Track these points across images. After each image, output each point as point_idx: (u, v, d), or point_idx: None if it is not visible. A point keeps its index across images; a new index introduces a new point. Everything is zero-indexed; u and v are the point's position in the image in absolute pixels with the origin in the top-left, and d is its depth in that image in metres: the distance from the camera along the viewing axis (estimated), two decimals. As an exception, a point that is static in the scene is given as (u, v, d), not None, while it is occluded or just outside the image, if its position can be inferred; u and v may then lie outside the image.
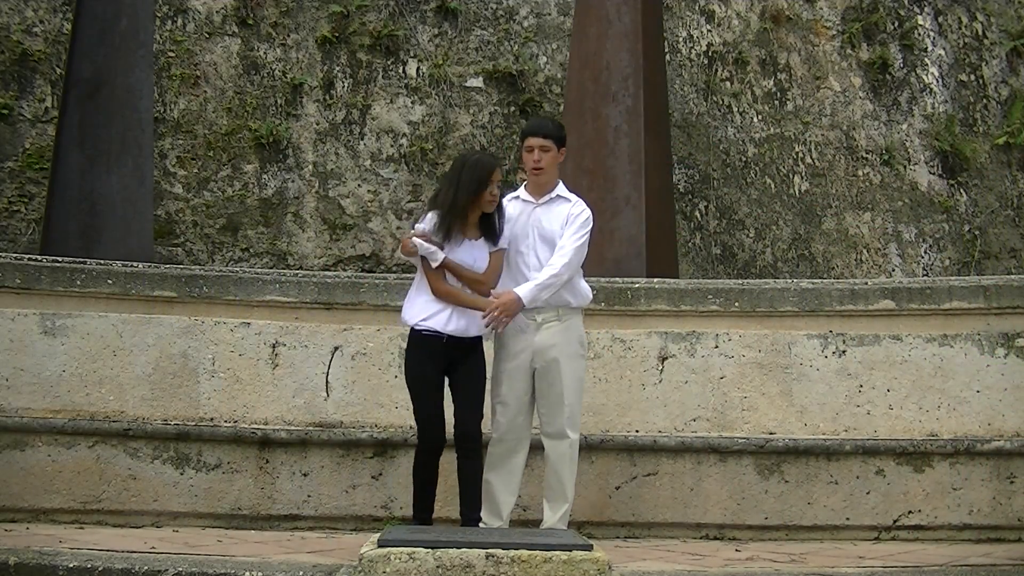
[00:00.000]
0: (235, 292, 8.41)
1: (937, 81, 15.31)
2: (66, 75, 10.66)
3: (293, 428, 8.12)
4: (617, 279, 8.63)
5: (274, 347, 8.26)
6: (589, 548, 5.62)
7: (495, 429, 7.08)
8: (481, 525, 6.95)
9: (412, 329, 6.95)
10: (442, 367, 6.96)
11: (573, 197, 7.31)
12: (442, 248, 6.88)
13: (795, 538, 7.72)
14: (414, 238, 6.87)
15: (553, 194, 7.24)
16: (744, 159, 14.01)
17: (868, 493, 8.03)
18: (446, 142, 13.15)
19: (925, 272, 14.15)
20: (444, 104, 13.30)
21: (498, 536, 5.90)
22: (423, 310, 6.89)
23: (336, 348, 8.30)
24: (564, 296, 7.09)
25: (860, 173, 14.50)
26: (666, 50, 12.36)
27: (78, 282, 8.27)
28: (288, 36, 13.32)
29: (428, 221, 6.94)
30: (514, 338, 7.01)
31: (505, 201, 7.20)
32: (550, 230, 7.13)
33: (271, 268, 11.83)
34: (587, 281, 7.37)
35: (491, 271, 7.01)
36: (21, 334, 8.08)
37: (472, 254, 6.96)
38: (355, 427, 8.16)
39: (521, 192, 7.31)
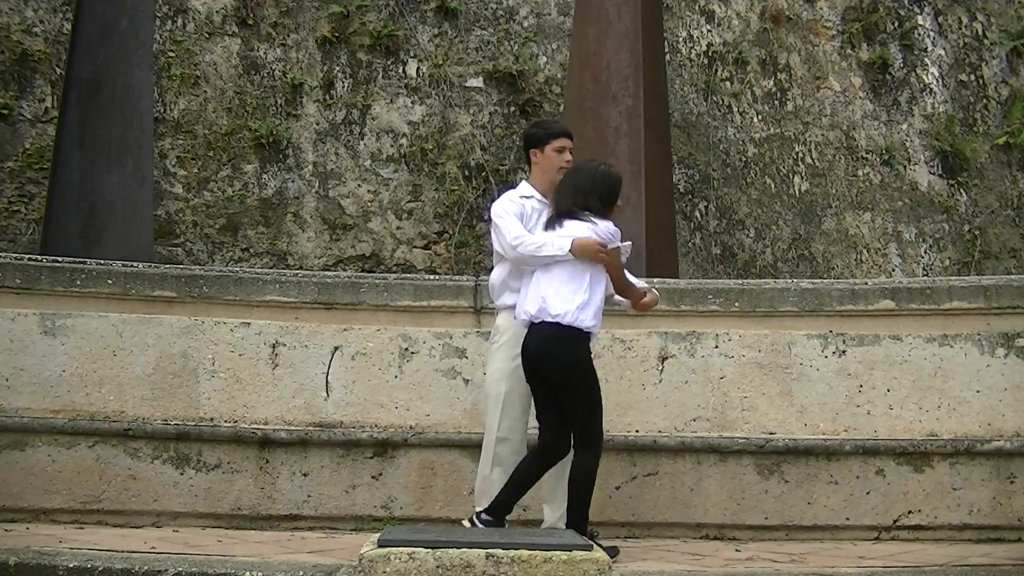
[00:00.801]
0: (235, 292, 8.41)
1: (937, 81, 15.33)
2: (66, 75, 10.67)
3: (293, 428, 8.11)
4: (617, 279, 8.62)
5: (274, 347, 8.26)
6: (589, 548, 5.62)
7: (500, 428, 7.05)
8: (465, 523, 6.95)
9: (581, 330, 6.80)
10: None
11: None
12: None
13: (795, 538, 7.72)
14: (620, 245, 6.93)
15: None
16: (744, 159, 14.02)
17: (868, 493, 8.03)
18: (446, 142, 13.16)
19: (925, 272, 14.17)
20: (444, 104, 13.30)
21: (498, 536, 5.90)
22: (588, 310, 6.85)
23: (336, 348, 8.30)
24: None
25: (860, 173, 14.51)
26: (666, 50, 12.36)
27: (78, 282, 8.27)
28: (288, 36, 13.32)
29: (611, 231, 6.93)
30: (517, 337, 7.01)
31: (518, 198, 7.21)
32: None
33: (271, 268, 11.83)
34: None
35: None
36: (21, 334, 8.08)
37: None
38: (355, 427, 8.15)
39: (535, 192, 7.28)
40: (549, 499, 7.14)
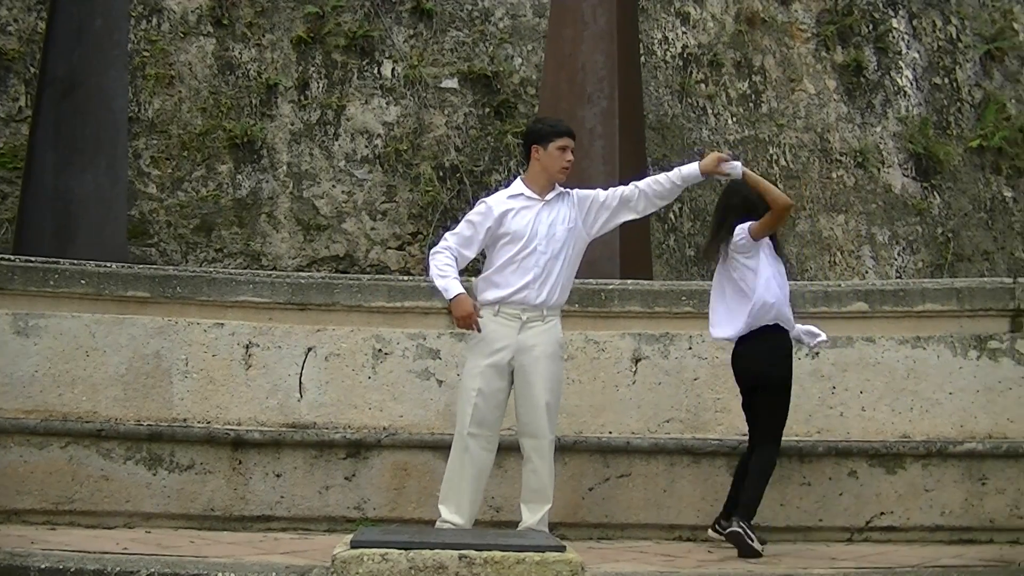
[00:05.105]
0: (209, 292, 8.40)
1: (911, 84, 15.38)
2: (40, 74, 10.63)
3: (266, 429, 8.09)
4: (591, 280, 8.63)
5: (248, 348, 8.24)
6: (562, 549, 5.62)
7: (472, 424, 7.01)
8: (440, 522, 6.94)
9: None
10: None
11: (564, 189, 7.37)
12: None
13: (768, 539, 7.72)
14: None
15: (557, 191, 7.28)
16: (719, 161, 14.02)
17: (841, 495, 8.05)
18: (421, 143, 13.14)
19: (898, 274, 14.22)
20: (419, 105, 13.29)
21: (471, 537, 5.89)
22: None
23: (310, 349, 8.28)
24: (559, 296, 7.11)
25: (834, 175, 14.56)
26: (641, 52, 12.38)
27: (51, 282, 8.24)
28: (263, 36, 13.29)
29: None
30: (495, 334, 7.01)
31: (506, 200, 7.21)
32: (556, 225, 7.17)
33: (245, 268, 11.80)
34: (561, 281, 7.38)
35: None
36: (-7, 334, 8.05)
37: None
38: (328, 428, 8.14)
39: (525, 190, 7.28)
40: (527, 500, 7.11)
